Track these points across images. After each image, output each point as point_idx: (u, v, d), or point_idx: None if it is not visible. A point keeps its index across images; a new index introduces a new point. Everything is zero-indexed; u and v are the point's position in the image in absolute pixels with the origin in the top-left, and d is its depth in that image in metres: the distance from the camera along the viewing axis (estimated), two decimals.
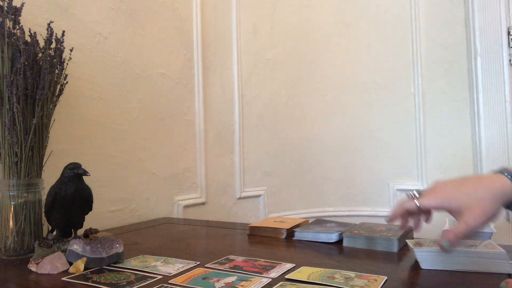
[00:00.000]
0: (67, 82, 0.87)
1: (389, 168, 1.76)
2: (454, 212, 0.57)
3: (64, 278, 0.60)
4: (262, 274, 0.60)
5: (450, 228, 0.58)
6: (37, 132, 0.77)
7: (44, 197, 0.75)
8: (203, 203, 1.44)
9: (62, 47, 0.83)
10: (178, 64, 1.38)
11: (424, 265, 0.62)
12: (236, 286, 0.55)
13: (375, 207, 1.77)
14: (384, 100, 1.77)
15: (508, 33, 1.56)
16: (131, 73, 1.19)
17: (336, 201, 1.80)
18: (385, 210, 1.75)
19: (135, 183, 1.19)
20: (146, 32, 1.25)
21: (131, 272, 0.62)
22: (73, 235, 0.74)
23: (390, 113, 1.76)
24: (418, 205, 0.60)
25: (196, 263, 0.67)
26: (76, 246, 0.66)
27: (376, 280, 0.56)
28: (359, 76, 1.79)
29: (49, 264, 0.64)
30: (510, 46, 1.56)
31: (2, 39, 0.75)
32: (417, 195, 0.61)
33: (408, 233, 0.83)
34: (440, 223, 0.78)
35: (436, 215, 0.61)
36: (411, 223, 0.63)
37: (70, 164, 0.71)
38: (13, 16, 0.78)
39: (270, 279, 0.57)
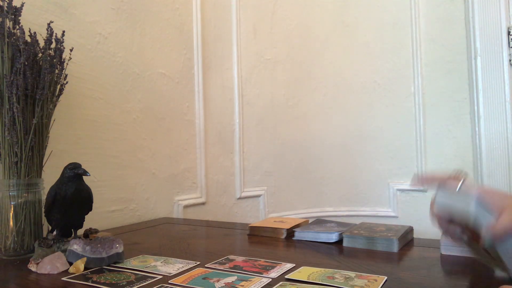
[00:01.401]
0: (67, 82, 0.87)
1: (389, 168, 1.76)
2: (491, 210, 0.52)
3: (64, 278, 0.60)
4: (262, 274, 0.60)
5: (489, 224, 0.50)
6: (37, 132, 0.77)
7: (44, 197, 0.75)
8: (203, 203, 1.44)
9: (62, 47, 0.83)
10: (178, 64, 1.38)
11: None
12: (236, 286, 0.55)
13: (375, 207, 1.77)
14: (384, 100, 1.77)
15: (508, 33, 1.56)
16: (131, 73, 1.19)
17: (336, 201, 1.80)
18: (385, 210, 1.75)
19: (135, 183, 1.19)
20: (146, 32, 1.25)
21: (131, 272, 0.62)
22: (73, 235, 0.74)
23: (390, 113, 1.76)
24: (458, 189, 0.56)
25: (196, 263, 0.67)
26: (76, 246, 0.66)
27: (376, 280, 0.56)
28: (359, 76, 1.79)
29: (49, 264, 0.64)
30: (510, 46, 1.56)
31: (2, 39, 0.75)
32: (462, 179, 0.56)
33: (408, 233, 0.83)
34: None
35: None
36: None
37: (70, 164, 0.71)
38: (13, 16, 0.78)
39: (270, 279, 0.57)
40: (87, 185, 0.73)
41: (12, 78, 0.74)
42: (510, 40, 1.56)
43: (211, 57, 1.52)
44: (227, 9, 1.61)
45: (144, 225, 1.10)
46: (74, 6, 1.02)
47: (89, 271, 0.63)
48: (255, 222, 1.02)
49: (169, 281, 0.57)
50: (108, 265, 0.66)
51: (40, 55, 0.80)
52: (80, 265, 0.63)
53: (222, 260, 0.69)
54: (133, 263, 0.68)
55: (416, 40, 1.72)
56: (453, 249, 0.69)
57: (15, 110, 0.74)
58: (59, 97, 0.85)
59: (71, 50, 0.93)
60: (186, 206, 1.35)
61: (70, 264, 0.64)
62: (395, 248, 0.74)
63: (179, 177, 1.36)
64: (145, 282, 0.57)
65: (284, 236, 0.89)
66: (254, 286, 0.54)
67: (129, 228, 1.06)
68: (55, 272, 0.63)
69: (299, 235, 0.87)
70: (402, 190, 1.73)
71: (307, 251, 0.78)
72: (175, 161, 1.34)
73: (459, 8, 1.66)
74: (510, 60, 1.56)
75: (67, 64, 0.86)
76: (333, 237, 0.82)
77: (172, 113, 1.34)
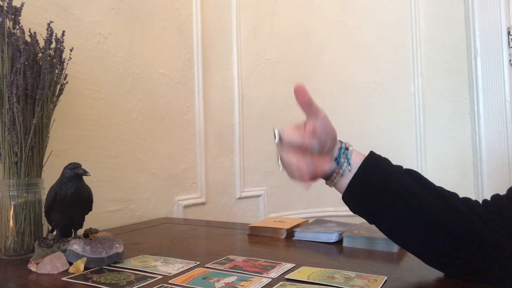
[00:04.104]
0: (67, 82, 0.87)
1: None
2: None
3: (64, 278, 0.60)
4: (262, 274, 0.60)
5: None
6: (37, 132, 0.77)
7: (44, 197, 0.75)
8: (203, 203, 1.44)
9: (62, 47, 0.83)
10: (178, 64, 1.38)
11: None
12: (236, 286, 0.55)
13: None
14: (384, 100, 1.77)
15: (508, 33, 1.56)
16: (131, 73, 1.19)
17: (336, 201, 1.79)
18: None
19: (135, 183, 1.19)
20: (146, 32, 1.25)
21: (131, 272, 0.62)
22: (73, 235, 0.74)
23: (390, 113, 1.76)
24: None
25: (196, 263, 0.67)
26: (76, 246, 0.66)
27: (376, 280, 0.56)
28: (359, 76, 1.79)
29: (49, 264, 0.64)
30: (510, 46, 1.56)
31: (2, 39, 0.75)
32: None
33: None
34: None
35: None
36: None
37: (70, 164, 0.71)
38: (13, 16, 0.78)
39: (270, 279, 0.57)
40: (87, 185, 0.73)
41: (12, 78, 0.74)
42: (510, 40, 1.56)
43: (211, 57, 1.52)
44: (227, 9, 1.61)
45: (144, 225, 1.10)
46: (74, 6, 1.02)
47: (89, 271, 0.63)
48: (255, 222, 1.02)
49: (169, 281, 0.57)
50: (108, 265, 0.66)
51: (40, 55, 0.80)
52: (80, 265, 0.63)
53: (222, 260, 0.69)
54: (133, 263, 0.68)
55: (416, 40, 1.72)
56: None
57: (15, 110, 0.74)
58: (59, 97, 0.85)
59: (71, 50, 0.93)
60: (186, 206, 1.35)
61: (70, 264, 0.64)
62: (395, 248, 0.74)
63: (179, 177, 1.36)
64: (145, 282, 0.57)
65: (284, 236, 0.89)
66: (254, 286, 0.54)
67: (129, 228, 1.06)
68: (55, 272, 0.63)
69: (299, 235, 0.87)
70: None
71: (307, 251, 0.78)
72: (175, 161, 1.34)
73: (459, 8, 1.66)
74: (510, 60, 1.56)
75: (67, 64, 0.86)
76: (333, 237, 0.82)
77: (172, 113, 1.34)
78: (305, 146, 0.55)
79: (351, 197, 0.58)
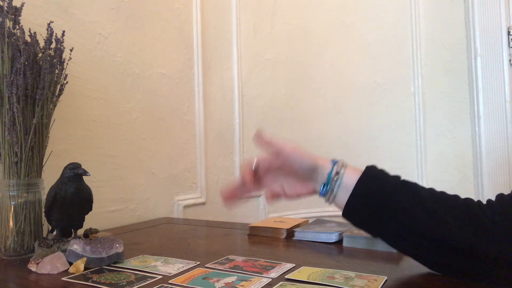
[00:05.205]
0: (67, 82, 0.87)
1: (389, 168, 1.74)
2: None
3: (64, 278, 0.60)
4: (262, 274, 0.60)
5: None
6: (37, 132, 0.77)
7: (44, 197, 0.75)
8: (203, 203, 1.44)
9: (62, 47, 0.83)
10: (178, 64, 1.38)
11: None
12: (236, 286, 0.55)
13: None
14: (384, 100, 1.77)
15: (508, 33, 1.56)
16: (131, 73, 1.19)
17: None
18: None
19: (135, 183, 1.19)
20: (146, 32, 1.25)
21: (131, 272, 0.62)
22: (73, 235, 0.74)
23: (390, 113, 1.76)
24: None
25: (196, 263, 0.67)
26: (76, 246, 0.66)
27: (376, 280, 0.56)
28: (359, 76, 1.79)
29: (49, 264, 0.64)
30: (510, 46, 1.56)
31: (2, 39, 0.75)
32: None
33: None
34: None
35: None
36: None
37: (70, 164, 0.71)
38: (13, 16, 0.78)
39: (270, 279, 0.57)
40: (87, 185, 0.73)
41: (12, 78, 0.74)
42: (510, 40, 1.56)
43: (211, 57, 1.52)
44: (227, 9, 1.61)
45: (144, 225, 1.10)
46: (74, 6, 1.02)
47: (89, 271, 0.63)
48: (255, 222, 1.02)
49: (169, 281, 0.57)
50: (108, 265, 0.66)
51: (40, 55, 0.80)
52: (80, 265, 0.63)
53: (222, 260, 0.69)
54: (133, 263, 0.68)
55: (416, 40, 1.72)
56: None
57: (15, 110, 0.74)
58: (59, 97, 0.85)
59: (71, 50, 0.93)
60: (186, 206, 1.35)
61: (70, 264, 0.64)
62: None
63: (179, 177, 1.36)
64: (145, 282, 0.57)
65: (284, 236, 0.89)
66: (254, 286, 0.54)
67: (129, 228, 1.06)
68: (55, 272, 0.63)
69: (299, 235, 0.87)
70: None
71: (307, 251, 0.78)
72: (175, 161, 1.34)
73: (459, 8, 1.66)
74: (510, 60, 1.56)
75: (67, 64, 0.86)
76: (333, 237, 0.82)
77: (172, 113, 1.34)
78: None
79: (349, 214, 0.60)
